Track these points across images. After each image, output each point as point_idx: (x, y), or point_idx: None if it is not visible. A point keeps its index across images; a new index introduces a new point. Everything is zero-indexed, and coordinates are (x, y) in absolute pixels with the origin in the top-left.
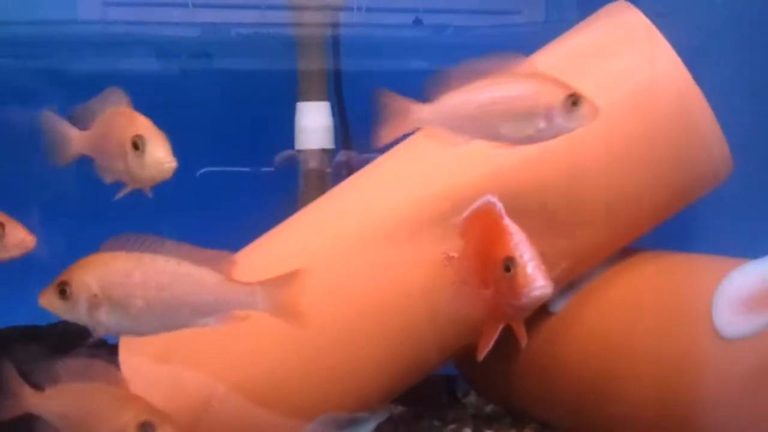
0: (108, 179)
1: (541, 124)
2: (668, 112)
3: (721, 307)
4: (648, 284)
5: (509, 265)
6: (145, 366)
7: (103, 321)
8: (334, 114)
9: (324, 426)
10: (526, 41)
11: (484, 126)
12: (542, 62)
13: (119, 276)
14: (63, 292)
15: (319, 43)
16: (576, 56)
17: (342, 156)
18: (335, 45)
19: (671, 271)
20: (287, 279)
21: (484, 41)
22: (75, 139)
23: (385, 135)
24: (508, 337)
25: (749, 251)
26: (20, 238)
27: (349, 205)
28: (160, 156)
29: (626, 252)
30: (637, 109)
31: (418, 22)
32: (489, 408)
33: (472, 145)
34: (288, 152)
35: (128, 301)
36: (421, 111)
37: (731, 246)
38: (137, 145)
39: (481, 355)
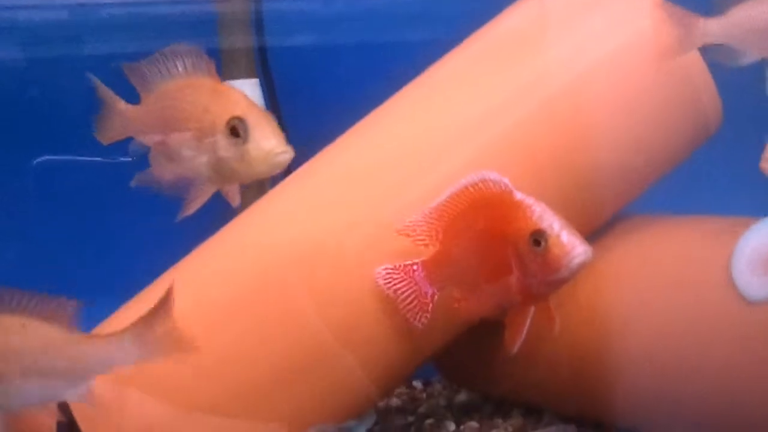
0: (166, 175)
1: None
2: (666, 65)
3: (742, 269)
4: (649, 250)
5: (539, 239)
6: None
7: None
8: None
9: None
10: None
11: None
12: (547, 7)
13: None
14: None
15: (237, 19)
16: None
17: None
18: (257, 20)
19: (673, 235)
20: (156, 309)
21: None
22: (123, 116)
23: (668, 52)
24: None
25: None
26: None
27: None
28: (271, 145)
29: (617, 219)
30: (632, 60)
31: None
32: (462, 396)
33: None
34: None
35: None
36: (708, 25)
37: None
38: (237, 130)
39: (515, 347)
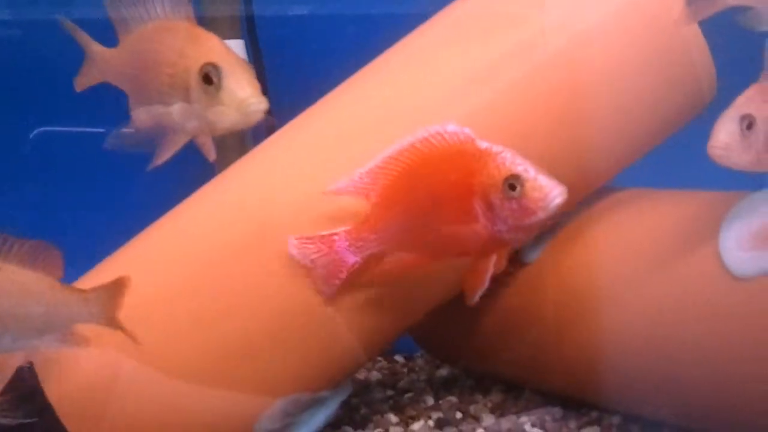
0: (142, 123)
1: None
2: (659, 32)
3: (730, 245)
4: (637, 225)
5: (515, 183)
6: None
7: None
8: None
9: (287, 407)
10: None
11: None
12: None
13: None
14: None
15: None
16: None
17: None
18: None
19: (661, 209)
20: (116, 287)
21: None
22: (98, 59)
23: (693, 14)
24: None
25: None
26: None
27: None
28: (245, 93)
29: (603, 192)
30: (632, 25)
31: None
32: (444, 371)
33: None
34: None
35: None
36: None
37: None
38: (210, 77)
39: (476, 296)
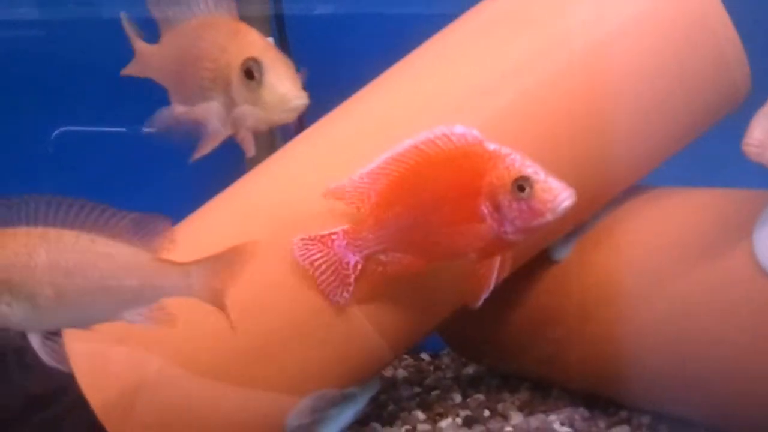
0: (183, 118)
1: None
2: (691, 27)
3: (764, 243)
4: (666, 223)
5: (524, 185)
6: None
7: (5, 314)
8: None
9: (315, 403)
10: None
11: None
12: None
13: (19, 258)
14: None
15: None
16: None
17: None
18: None
19: (691, 207)
20: (226, 258)
21: None
22: (141, 56)
23: None
24: (500, 289)
25: None
26: None
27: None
28: (286, 89)
29: (633, 190)
30: (660, 24)
31: None
32: (470, 369)
33: None
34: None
35: (33, 289)
36: None
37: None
38: (251, 72)
39: (481, 298)
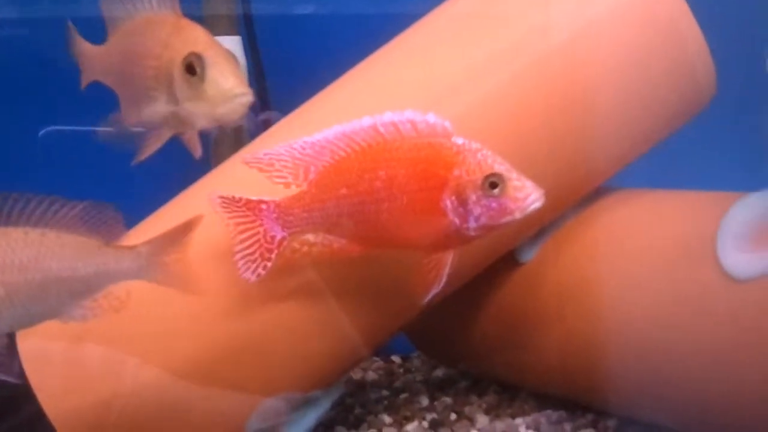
0: (130, 119)
1: None
2: (659, 30)
3: (727, 246)
4: (634, 225)
5: (496, 181)
6: (40, 344)
7: None
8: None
9: (277, 406)
10: None
11: None
12: None
13: None
14: None
15: None
16: None
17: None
18: None
19: (658, 209)
20: (174, 236)
21: None
22: (85, 57)
23: None
24: (467, 291)
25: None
26: None
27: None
28: (229, 83)
29: (600, 192)
30: (627, 27)
31: None
32: (440, 372)
33: None
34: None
35: None
36: None
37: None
38: (193, 67)
39: (430, 294)
